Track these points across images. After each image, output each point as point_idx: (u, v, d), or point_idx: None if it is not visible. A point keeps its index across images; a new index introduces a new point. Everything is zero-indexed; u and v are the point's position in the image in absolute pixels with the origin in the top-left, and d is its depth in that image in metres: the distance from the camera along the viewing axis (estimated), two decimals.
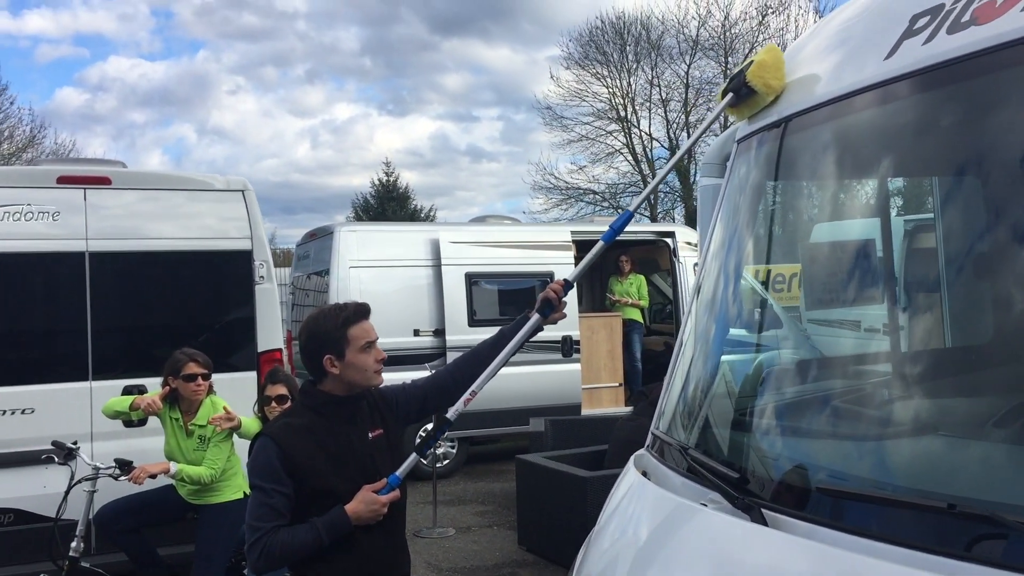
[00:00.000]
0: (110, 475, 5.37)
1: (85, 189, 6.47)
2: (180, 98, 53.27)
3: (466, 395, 3.25)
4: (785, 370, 2.68)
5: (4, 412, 6.17)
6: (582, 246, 12.27)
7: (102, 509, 5.60)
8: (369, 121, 59.09)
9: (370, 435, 3.28)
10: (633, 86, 34.13)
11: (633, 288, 12.57)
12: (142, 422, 6.08)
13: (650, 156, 34.64)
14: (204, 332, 6.72)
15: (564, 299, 3.31)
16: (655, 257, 12.89)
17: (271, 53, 55.33)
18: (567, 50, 34.32)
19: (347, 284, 10.48)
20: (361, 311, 3.28)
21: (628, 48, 33.89)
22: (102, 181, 6.54)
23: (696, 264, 12.24)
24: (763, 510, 1.96)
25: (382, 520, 3.14)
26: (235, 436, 5.52)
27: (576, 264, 11.69)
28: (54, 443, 5.66)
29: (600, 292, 13.74)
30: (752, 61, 2.71)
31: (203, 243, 6.71)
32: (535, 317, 3.27)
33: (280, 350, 6.89)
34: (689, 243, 12.23)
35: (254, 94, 59.44)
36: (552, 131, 34.77)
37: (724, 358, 2.76)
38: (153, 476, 5.32)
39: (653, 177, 34.10)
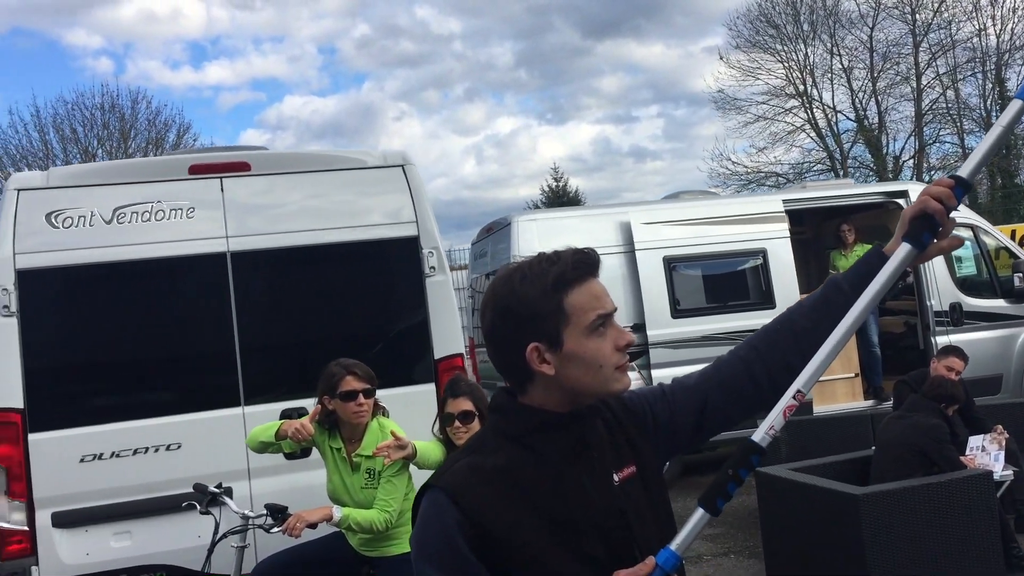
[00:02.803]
0: (260, 526, 4.23)
1: (221, 178, 5.42)
2: (350, 129, 54.84)
3: (787, 398, 1.82)
4: None
5: (147, 449, 5.17)
6: (796, 217, 10.56)
7: (259, 567, 4.47)
8: (530, 132, 59.26)
9: (616, 477, 1.88)
10: (811, 57, 31.86)
11: None
12: (306, 452, 4.96)
13: (836, 130, 32.17)
14: (371, 339, 5.55)
15: (956, 209, 1.84)
16: (884, 223, 10.94)
17: (431, 76, 56.51)
18: (735, 28, 32.19)
19: None
20: (585, 263, 1.84)
21: (802, 18, 31.65)
22: (240, 167, 5.48)
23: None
24: None
25: None
26: (413, 467, 4.27)
27: (791, 236, 9.99)
28: (195, 487, 4.59)
29: (819, 269, 11.88)
30: None
31: (361, 232, 5.53)
32: (903, 250, 1.83)
33: (461, 355, 5.59)
34: None
35: (418, 118, 60.68)
36: (725, 115, 32.79)
37: None
38: (312, 525, 4.11)
39: (840, 152, 31.71)
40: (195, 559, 4.84)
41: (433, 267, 5.55)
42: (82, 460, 5.09)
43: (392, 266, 5.65)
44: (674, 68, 50.88)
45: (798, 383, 1.82)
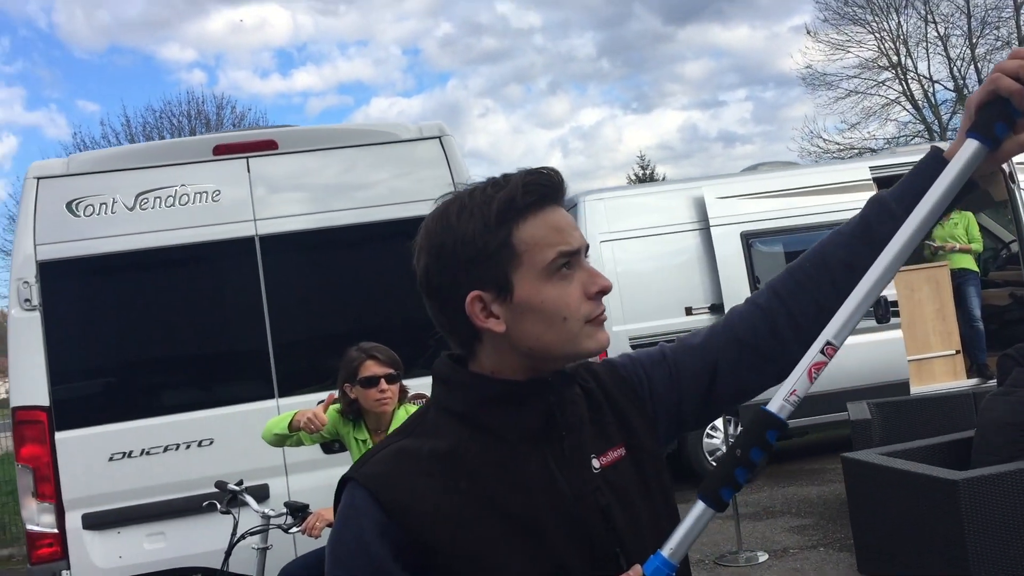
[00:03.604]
0: (279, 526, 3.89)
1: (248, 158, 5.11)
2: None
3: (814, 352, 1.35)
4: None
5: (178, 446, 4.90)
6: (885, 184, 9.81)
7: (285, 570, 4.14)
8: (616, 122, 58.78)
9: (597, 462, 1.43)
10: (904, 27, 30.38)
11: (959, 229, 9.83)
12: (342, 445, 4.61)
13: (933, 101, 30.67)
14: (409, 325, 5.17)
15: None
16: (985, 187, 10.11)
17: (513, 71, 56.56)
18: (822, 1, 30.90)
19: (599, 262, 8.71)
20: (540, 185, 1.38)
21: None
22: (266, 146, 5.15)
23: None
24: None
25: None
26: None
27: None
28: (217, 484, 4.28)
29: None
30: None
31: (397, 210, 5.13)
32: (969, 148, 1.34)
33: None
34: None
35: (503, 113, 60.81)
36: (814, 92, 31.55)
37: None
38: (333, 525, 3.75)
39: (939, 124, 30.28)
40: (233, 560, 4.55)
41: None
42: (111, 459, 4.85)
43: None
44: (761, 50, 49.70)
45: (827, 333, 1.35)
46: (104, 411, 4.91)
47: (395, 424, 3.89)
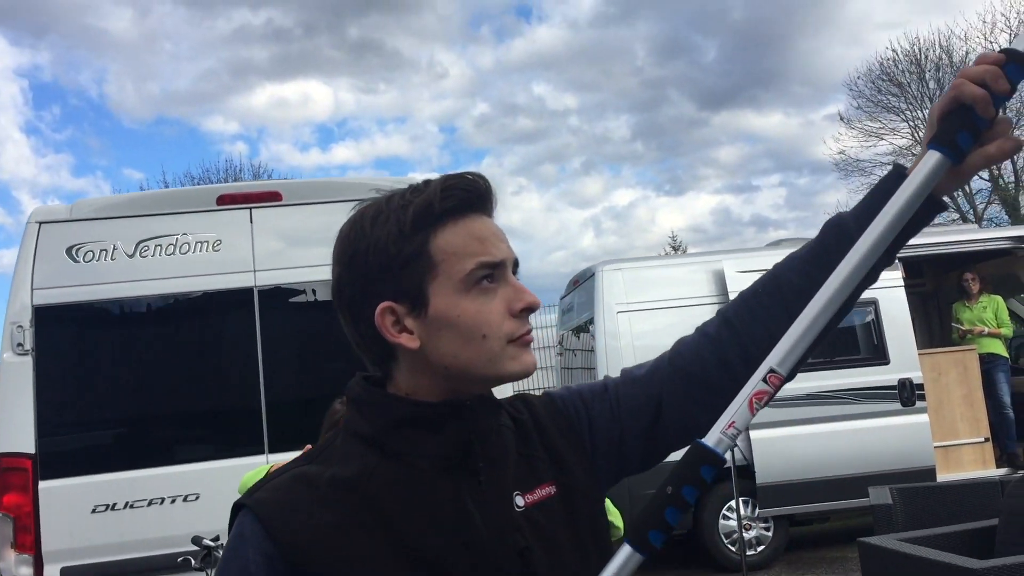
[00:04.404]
0: None
1: (251, 209, 5.07)
2: None
3: (756, 380, 1.19)
4: None
5: (163, 500, 4.76)
6: (913, 267, 9.63)
7: None
8: (649, 203, 59.08)
9: (521, 500, 1.29)
10: None
11: (988, 313, 9.58)
12: None
13: (969, 189, 30.47)
14: None
15: (1010, 97, 1.20)
16: (1013, 271, 9.87)
17: (547, 151, 57.31)
18: (856, 89, 31.06)
19: (616, 333, 8.56)
20: (461, 190, 1.27)
21: (927, 75, 30.39)
22: (271, 197, 5.12)
23: None
24: None
25: None
26: None
27: (908, 288, 9.06)
28: (193, 540, 4.13)
29: (942, 322, 10.81)
30: None
31: None
32: (930, 160, 1.19)
33: None
34: None
35: (537, 192, 61.41)
36: (847, 177, 31.55)
37: None
38: None
39: (974, 212, 30.08)
40: None
41: None
42: (94, 511, 4.72)
43: None
44: (794, 136, 50.06)
45: (771, 360, 1.20)
46: (91, 461, 4.80)
47: None
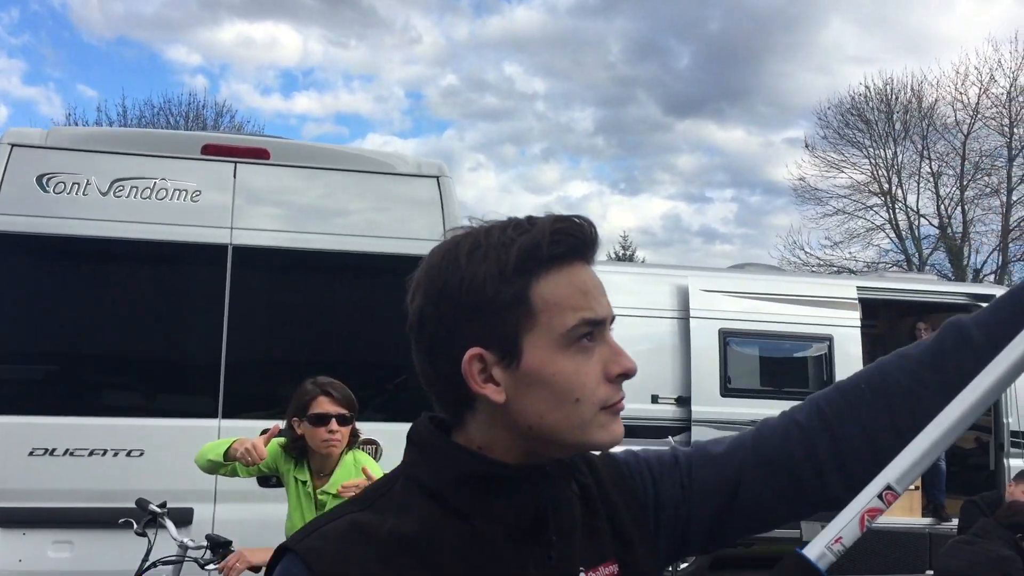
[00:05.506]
0: (196, 560, 3.57)
1: (236, 163, 4.87)
2: None
3: (869, 495, 1.07)
4: None
5: (105, 452, 4.57)
6: (869, 308, 9.73)
7: None
8: (603, 199, 59.31)
9: (586, 575, 1.21)
10: (900, 157, 30.94)
11: None
12: (280, 480, 4.30)
13: (917, 234, 31.09)
14: (378, 365, 4.91)
15: None
16: None
17: (510, 132, 57.07)
18: (824, 118, 31.39)
19: None
20: (571, 236, 1.13)
21: (895, 116, 30.83)
22: (258, 154, 4.93)
23: None
24: None
25: None
26: None
27: (861, 329, 9.14)
28: (137, 502, 3.96)
29: None
30: None
31: (382, 244, 4.90)
32: None
33: None
34: None
35: (494, 171, 61.10)
36: (802, 204, 31.92)
37: None
38: (256, 568, 3.42)
39: (919, 256, 30.68)
40: None
41: None
42: (31, 453, 4.50)
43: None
44: (753, 154, 50.59)
45: (888, 475, 1.09)
46: (32, 401, 4.58)
47: (341, 470, 3.60)
